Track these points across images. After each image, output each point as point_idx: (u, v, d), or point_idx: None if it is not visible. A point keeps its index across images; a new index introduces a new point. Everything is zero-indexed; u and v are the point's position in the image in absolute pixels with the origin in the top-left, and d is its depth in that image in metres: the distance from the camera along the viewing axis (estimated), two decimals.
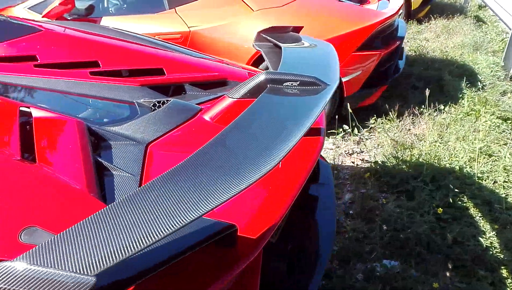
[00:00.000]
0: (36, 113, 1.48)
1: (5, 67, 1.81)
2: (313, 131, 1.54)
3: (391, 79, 3.64)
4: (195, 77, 1.92)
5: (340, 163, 3.14)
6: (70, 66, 1.85)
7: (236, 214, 1.13)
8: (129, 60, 2.00)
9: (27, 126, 1.41)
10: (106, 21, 3.80)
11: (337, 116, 3.35)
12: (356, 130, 3.51)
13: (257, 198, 1.22)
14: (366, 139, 3.46)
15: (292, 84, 1.39)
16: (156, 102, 1.66)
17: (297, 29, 2.27)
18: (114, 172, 1.25)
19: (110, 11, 4.08)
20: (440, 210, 2.30)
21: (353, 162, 3.10)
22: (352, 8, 3.58)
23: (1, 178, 1.09)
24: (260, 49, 2.15)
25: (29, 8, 4.01)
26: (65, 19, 3.84)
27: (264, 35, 2.19)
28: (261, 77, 1.43)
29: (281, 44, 1.93)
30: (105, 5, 4.10)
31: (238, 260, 1.02)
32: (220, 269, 0.99)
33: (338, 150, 3.30)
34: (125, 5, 4.15)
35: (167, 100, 1.63)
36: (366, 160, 3.07)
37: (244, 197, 1.11)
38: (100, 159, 1.31)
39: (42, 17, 3.78)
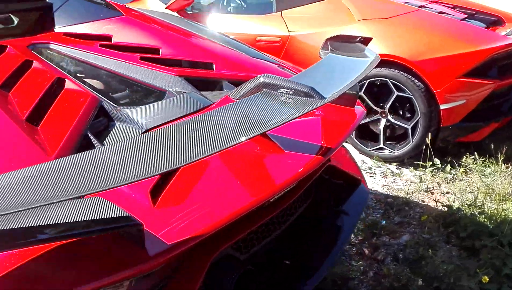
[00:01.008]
0: (67, 84, 1.61)
1: (78, 43, 2.00)
2: (312, 149, 1.38)
3: (505, 118, 3.08)
4: (237, 75, 1.88)
5: (415, 200, 2.78)
6: (131, 50, 1.98)
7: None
8: (185, 52, 2.05)
9: (54, 93, 1.53)
10: (220, 18, 3.98)
11: (430, 147, 2.97)
12: (448, 167, 3.06)
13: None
14: (458, 180, 3.00)
15: (286, 91, 1.26)
16: (181, 92, 1.68)
17: (366, 41, 2.07)
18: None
19: (228, 10, 4.26)
20: (485, 279, 1.86)
21: (435, 201, 2.71)
22: (471, 29, 3.13)
23: None
24: (322, 57, 2.02)
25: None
26: (185, 12, 4.13)
27: (328, 43, 2.05)
28: (259, 80, 1.33)
29: (328, 52, 1.78)
30: (225, 3, 4.30)
31: (141, 263, 0.96)
32: (118, 266, 0.94)
33: (420, 185, 2.93)
34: (242, 5, 4.30)
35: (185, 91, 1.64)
36: (444, 203, 2.65)
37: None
38: (91, 135, 1.36)
39: (165, 8, 4.13)
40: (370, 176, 3.15)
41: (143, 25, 2.28)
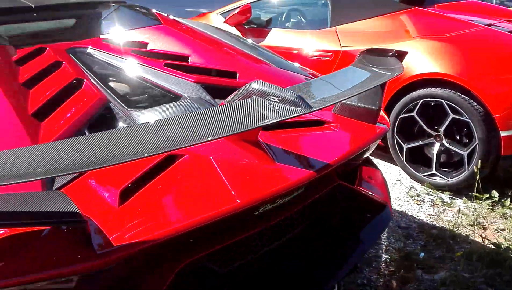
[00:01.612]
0: (85, 85, 1.66)
1: (113, 48, 2.09)
2: (307, 164, 1.27)
3: None
4: None
5: (464, 234, 2.49)
6: (161, 56, 2.02)
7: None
8: (212, 60, 2.05)
9: (68, 93, 1.59)
10: (276, 33, 3.97)
11: (478, 178, 2.67)
12: (508, 201, 2.72)
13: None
14: None
15: (274, 99, 1.18)
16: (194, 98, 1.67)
17: (401, 54, 1.92)
18: None
19: (286, 25, 4.24)
20: None
21: (483, 238, 2.41)
22: None
23: None
24: None
25: (220, 14, 4.53)
26: (242, 26, 4.18)
27: (361, 56, 1.94)
28: (251, 86, 1.27)
29: (356, 64, 1.68)
30: (283, 19, 4.29)
31: (85, 260, 0.93)
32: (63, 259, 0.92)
33: (473, 218, 2.63)
34: (300, 20, 4.26)
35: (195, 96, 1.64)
36: (493, 241, 2.35)
37: None
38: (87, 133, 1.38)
39: (224, 22, 4.22)
40: (418, 204, 2.90)
41: (177, 34, 2.33)
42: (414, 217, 2.75)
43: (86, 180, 1.18)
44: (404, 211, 2.83)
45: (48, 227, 0.95)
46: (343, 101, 1.70)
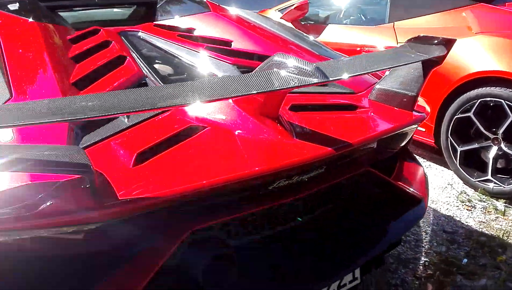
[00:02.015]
0: (127, 62, 1.75)
1: (162, 32, 2.18)
2: (327, 142, 1.25)
3: None
4: None
5: None
6: (205, 41, 2.08)
7: None
8: (253, 46, 2.08)
9: (110, 68, 1.68)
10: (332, 29, 3.93)
11: None
12: None
13: None
14: None
15: (292, 69, 1.17)
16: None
17: (449, 42, 1.83)
18: None
19: (345, 22, 4.17)
20: None
21: None
22: None
23: None
24: None
25: (278, 10, 4.55)
26: (299, 22, 4.18)
27: (407, 43, 1.87)
28: (273, 58, 1.27)
29: (398, 48, 1.64)
30: (341, 15, 4.22)
31: (87, 209, 0.97)
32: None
33: None
34: (358, 17, 4.17)
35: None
36: None
37: None
38: None
39: (280, 18, 4.24)
40: (468, 210, 2.72)
41: (224, 20, 2.38)
42: (462, 223, 2.59)
43: (109, 142, 1.25)
44: (451, 215, 2.66)
45: (59, 174, 1.00)
46: (381, 87, 1.65)
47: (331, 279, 1.35)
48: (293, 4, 4.21)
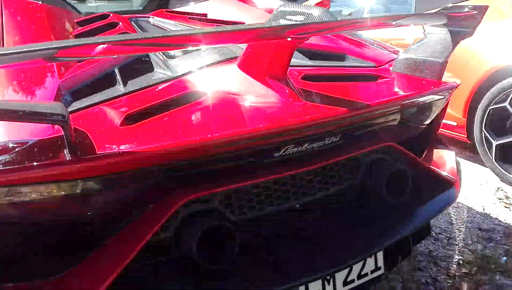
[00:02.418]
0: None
1: (172, 17, 2.11)
2: (337, 104, 1.09)
3: None
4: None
5: None
6: (214, 22, 2.00)
7: None
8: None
9: None
10: None
11: None
12: None
13: None
14: None
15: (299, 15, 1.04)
16: None
17: (481, 10, 1.66)
18: None
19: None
20: None
21: None
22: None
23: None
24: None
25: None
26: None
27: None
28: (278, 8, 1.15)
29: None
30: (364, 13, 4.08)
31: (64, 164, 0.86)
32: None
33: None
34: (383, 14, 4.02)
35: None
36: None
37: None
38: (117, 72, 1.37)
39: None
40: (506, 207, 2.48)
41: (238, 4, 2.29)
42: (500, 221, 2.35)
43: (100, 107, 1.15)
44: (488, 213, 2.43)
45: (37, 123, 0.90)
46: (405, 57, 1.50)
47: (344, 263, 1.18)
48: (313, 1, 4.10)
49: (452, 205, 2.52)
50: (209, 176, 1.08)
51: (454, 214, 2.45)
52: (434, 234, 2.24)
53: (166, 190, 1.05)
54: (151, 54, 1.53)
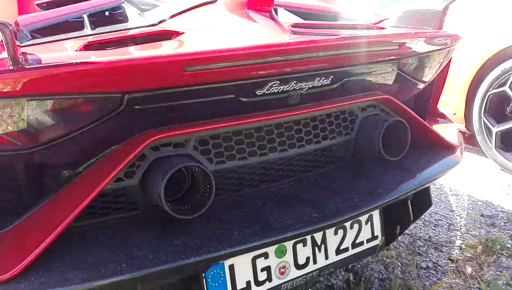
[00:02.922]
0: None
1: None
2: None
3: None
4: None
5: None
6: None
7: None
8: None
9: None
10: None
11: None
12: None
13: None
14: None
15: None
16: None
17: None
18: None
19: None
20: None
21: None
22: None
23: None
24: None
25: None
26: None
27: None
28: None
29: None
30: None
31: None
32: None
33: None
34: None
35: None
36: None
37: None
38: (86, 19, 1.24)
39: None
40: (508, 194, 2.35)
41: None
42: (503, 207, 2.22)
43: (62, 40, 1.02)
44: (490, 200, 2.30)
45: None
46: (405, 10, 1.38)
47: (336, 217, 1.02)
48: None
49: (452, 194, 2.40)
50: (181, 114, 0.95)
51: (454, 202, 2.31)
52: (433, 221, 2.10)
53: (131, 128, 0.91)
54: (125, 6, 1.40)
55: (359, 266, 1.70)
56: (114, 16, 1.38)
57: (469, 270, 1.66)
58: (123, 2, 1.41)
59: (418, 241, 1.91)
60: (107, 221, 0.95)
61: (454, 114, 2.83)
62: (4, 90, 0.73)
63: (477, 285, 1.55)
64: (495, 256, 1.72)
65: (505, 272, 1.61)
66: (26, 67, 0.72)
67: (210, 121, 0.96)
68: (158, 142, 0.93)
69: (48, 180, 0.92)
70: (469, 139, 2.97)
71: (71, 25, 1.18)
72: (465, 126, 2.84)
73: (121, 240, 0.89)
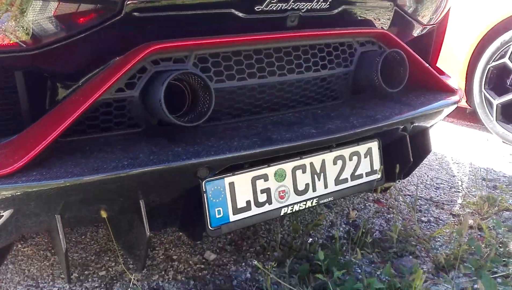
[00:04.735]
0: None
1: None
2: None
3: None
4: None
5: None
6: None
7: None
8: None
9: None
10: None
11: None
12: None
13: None
14: None
15: None
16: None
17: None
18: None
19: None
20: None
21: None
22: None
23: None
24: None
25: None
26: None
27: None
28: None
29: None
30: None
31: None
32: None
33: None
34: None
35: None
36: None
37: None
38: None
39: None
40: (510, 162, 2.36)
41: None
42: (504, 173, 2.22)
43: None
44: (491, 167, 2.30)
45: None
46: None
47: (334, 134, 1.03)
48: None
49: (454, 162, 2.40)
50: (181, 30, 0.97)
51: (455, 169, 2.31)
52: (435, 184, 2.10)
53: (132, 39, 0.93)
54: None
55: (360, 220, 1.71)
56: None
57: (471, 221, 1.66)
58: None
59: (419, 201, 1.91)
60: (110, 137, 0.97)
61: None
62: None
63: (478, 233, 1.56)
64: (496, 208, 1.72)
65: (507, 222, 1.62)
66: None
67: (210, 37, 0.98)
68: (158, 56, 0.95)
69: (52, 91, 0.93)
70: (471, 116, 2.97)
71: None
72: (466, 101, 2.84)
73: (123, 147, 0.91)
